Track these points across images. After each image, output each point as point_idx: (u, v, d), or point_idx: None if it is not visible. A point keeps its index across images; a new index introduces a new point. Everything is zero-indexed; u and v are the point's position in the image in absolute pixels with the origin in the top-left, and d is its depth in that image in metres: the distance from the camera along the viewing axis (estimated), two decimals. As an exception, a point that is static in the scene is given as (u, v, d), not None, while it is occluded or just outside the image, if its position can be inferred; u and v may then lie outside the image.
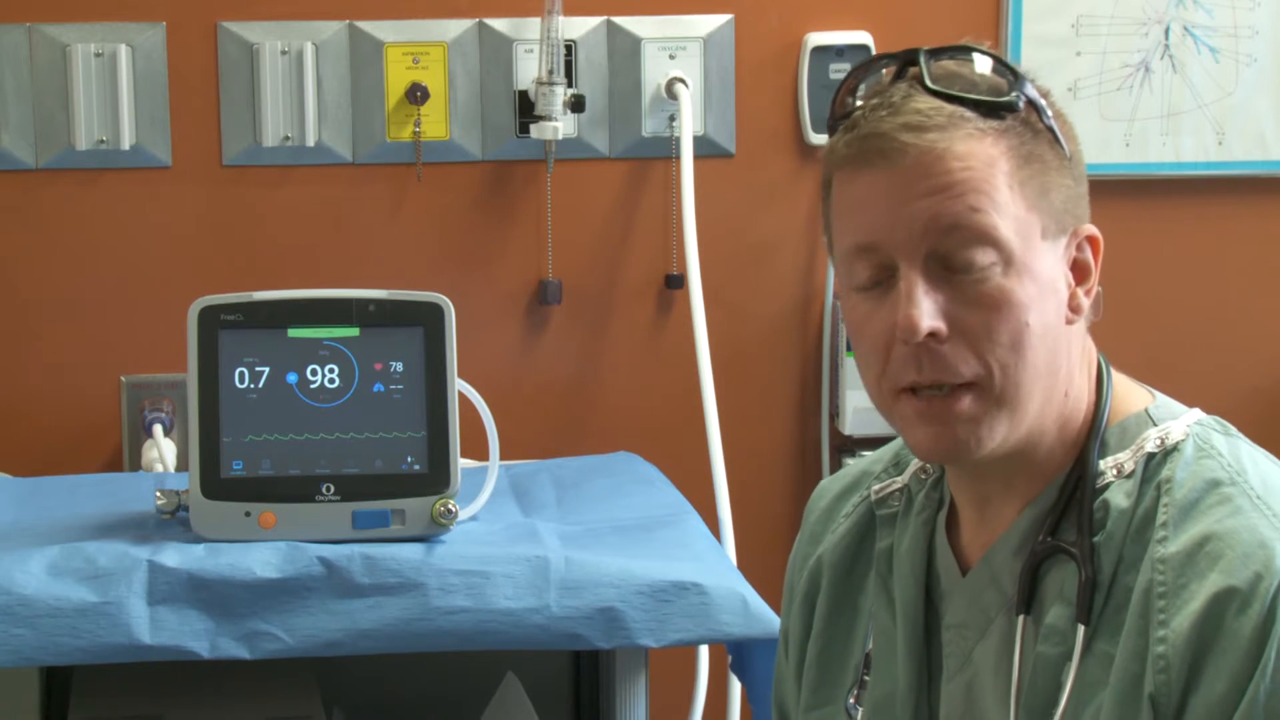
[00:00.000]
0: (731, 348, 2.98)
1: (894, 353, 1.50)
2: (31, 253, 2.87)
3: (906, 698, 1.62)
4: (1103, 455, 1.55)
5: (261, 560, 2.15)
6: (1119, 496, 1.53)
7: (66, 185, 2.86)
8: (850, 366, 2.90)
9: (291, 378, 2.26)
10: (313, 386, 2.26)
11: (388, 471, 2.24)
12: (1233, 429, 1.57)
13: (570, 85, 2.90)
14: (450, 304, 2.28)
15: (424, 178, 2.91)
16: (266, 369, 2.25)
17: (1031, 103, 1.53)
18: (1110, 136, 3.02)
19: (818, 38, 2.95)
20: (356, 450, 2.25)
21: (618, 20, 2.93)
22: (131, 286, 2.89)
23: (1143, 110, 3.02)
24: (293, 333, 2.27)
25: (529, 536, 2.26)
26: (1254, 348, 3.11)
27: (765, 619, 2.16)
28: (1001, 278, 1.49)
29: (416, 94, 2.88)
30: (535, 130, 2.88)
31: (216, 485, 2.23)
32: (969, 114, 1.50)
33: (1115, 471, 1.54)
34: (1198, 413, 1.58)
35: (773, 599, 2.04)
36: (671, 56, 2.94)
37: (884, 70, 1.55)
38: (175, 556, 2.15)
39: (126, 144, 2.85)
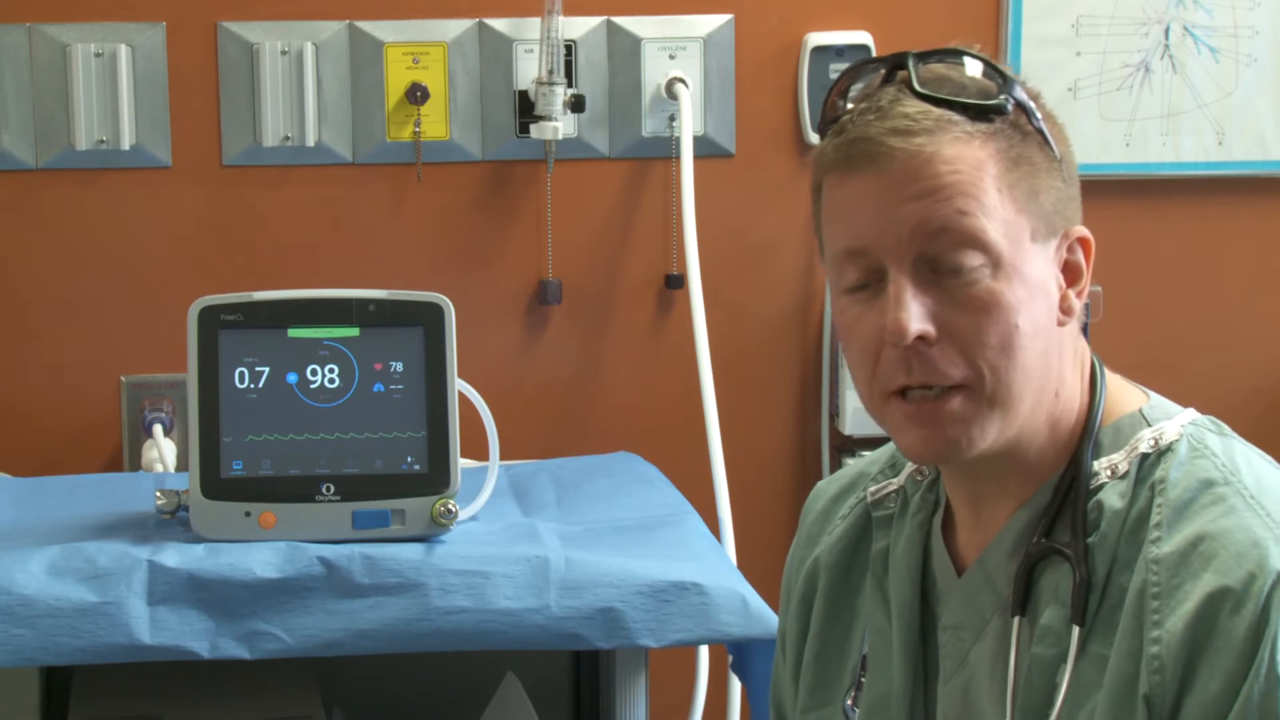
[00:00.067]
0: (731, 348, 2.98)
1: (883, 356, 1.51)
2: (31, 253, 2.87)
3: (902, 699, 1.62)
4: (1097, 456, 1.55)
5: (261, 560, 2.15)
6: (1113, 497, 1.53)
7: (66, 185, 2.86)
8: (850, 366, 2.90)
9: (291, 378, 2.26)
10: (313, 386, 2.26)
11: (388, 471, 2.24)
12: (1227, 429, 1.57)
13: (570, 85, 2.90)
14: (450, 304, 2.28)
15: (424, 178, 2.91)
16: (266, 369, 2.25)
17: (1020, 105, 1.52)
18: (1110, 136, 3.02)
19: (818, 38, 2.95)
20: (356, 450, 2.25)
21: (618, 20, 2.93)
22: (131, 286, 2.89)
23: (1143, 110, 3.02)
24: (293, 333, 2.27)
25: (529, 536, 2.26)
26: (1254, 348, 3.11)
27: (765, 619, 2.16)
28: (990, 280, 1.49)
29: (416, 94, 2.88)
30: (535, 130, 2.88)
31: (216, 485, 2.23)
32: (957, 117, 1.50)
33: (1109, 472, 1.54)
34: (1192, 413, 1.58)
35: (773, 599, 2.04)
36: (671, 56, 2.94)
37: (873, 74, 1.55)
38: (175, 556, 2.15)
39: (126, 144, 2.85)
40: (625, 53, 2.93)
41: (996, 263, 1.49)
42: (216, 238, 2.90)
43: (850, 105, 1.54)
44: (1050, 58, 2.99)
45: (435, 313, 2.27)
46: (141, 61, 2.85)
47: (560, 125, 2.87)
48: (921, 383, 1.50)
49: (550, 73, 2.86)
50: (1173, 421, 1.56)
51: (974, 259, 1.48)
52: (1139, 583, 1.48)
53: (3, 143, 2.84)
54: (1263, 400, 3.10)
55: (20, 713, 2.27)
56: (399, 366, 2.27)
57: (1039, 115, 1.53)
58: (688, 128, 2.90)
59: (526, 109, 2.90)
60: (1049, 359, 1.53)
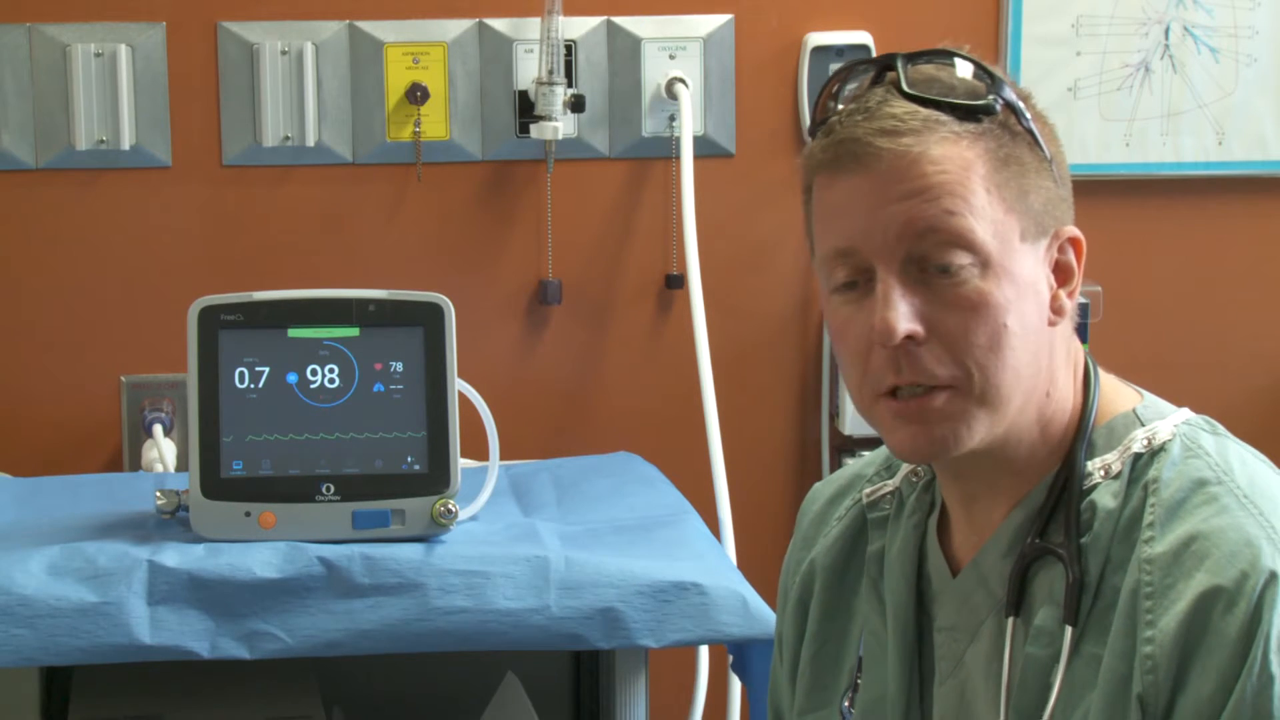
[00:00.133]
0: (731, 348, 2.98)
1: (873, 356, 1.51)
2: (31, 253, 2.87)
3: (898, 701, 1.62)
4: (1090, 456, 1.55)
5: (261, 560, 2.15)
6: (1106, 497, 1.53)
7: (66, 185, 2.86)
8: (850, 366, 2.90)
9: (291, 378, 2.26)
10: (313, 386, 2.26)
11: (388, 471, 2.24)
12: (1221, 428, 1.57)
13: (570, 85, 2.90)
14: (450, 304, 2.28)
15: (424, 178, 2.91)
16: (266, 369, 2.25)
17: (1009, 105, 1.52)
18: (1110, 136, 3.02)
19: (818, 38, 2.95)
20: (356, 450, 2.25)
21: (618, 20, 2.93)
22: (131, 286, 2.89)
23: (1143, 110, 3.02)
24: (293, 333, 2.27)
25: (529, 536, 2.26)
26: (1253, 347, 3.11)
27: (765, 619, 2.16)
28: (979, 280, 1.49)
29: (416, 94, 2.88)
30: (535, 130, 2.88)
31: (216, 485, 2.23)
32: (945, 117, 1.50)
33: (1103, 472, 1.54)
34: (1186, 412, 1.58)
35: (772, 599, 2.04)
36: (671, 56, 2.94)
37: (863, 75, 1.55)
38: (175, 556, 2.15)
39: (126, 144, 2.85)
40: (625, 53, 2.93)
41: (985, 262, 1.49)
42: (216, 238, 2.90)
43: (840, 107, 1.54)
44: (1050, 58, 2.99)
45: (435, 313, 2.27)
46: (141, 61, 2.85)
47: (560, 125, 2.87)
48: (911, 382, 1.50)
49: (550, 73, 2.86)
50: (1166, 421, 1.56)
51: (962, 258, 1.49)
52: (1132, 582, 1.48)
53: (3, 143, 2.84)
54: (1262, 400, 3.10)
55: (20, 713, 2.27)
56: (399, 366, 2.27)
57: (1028, 115, 1.53)
58: (688, 128, 2.90)
59: (526, 109, 2.90)
60: (1039, 359, 1.52)
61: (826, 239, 1.54)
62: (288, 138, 2.87)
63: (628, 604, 2.15)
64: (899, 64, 1.52)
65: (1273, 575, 1.43)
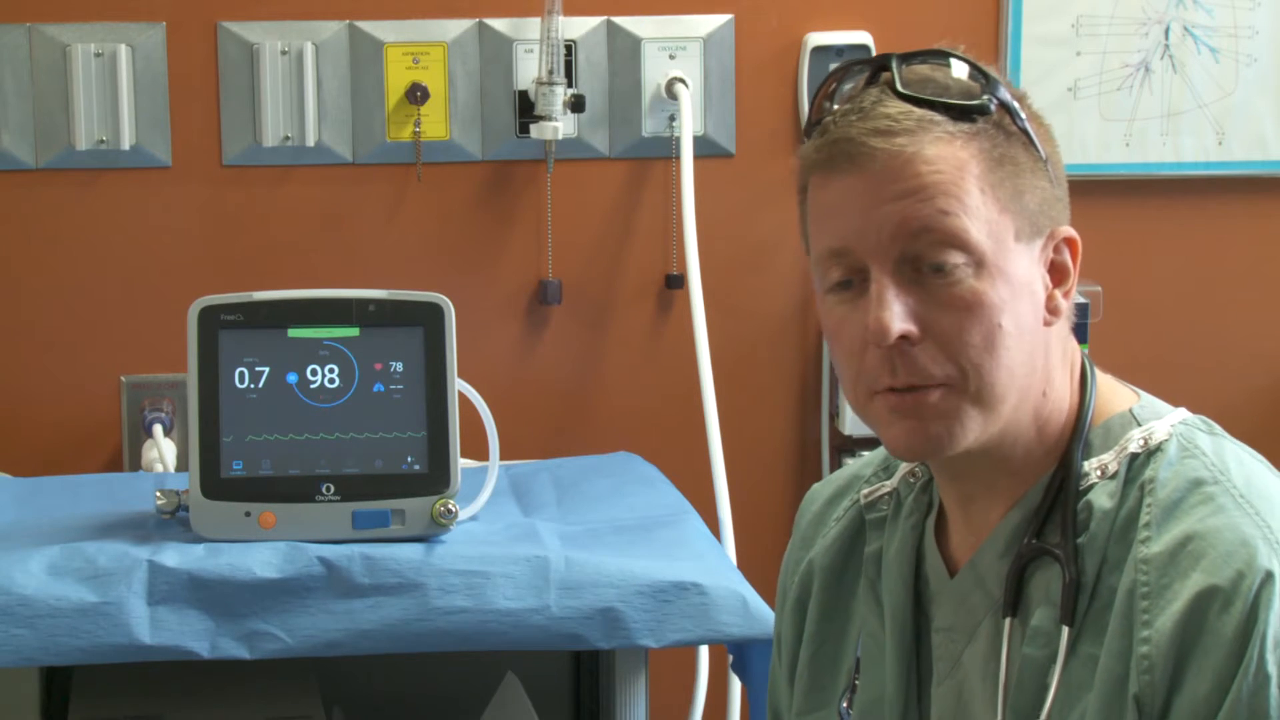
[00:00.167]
0: (731, 348, 2.98)
1: (867, 356, 1.51)
2: (31, 253, 2.87)
3: (895, 702, 1.62)
4: (1087, 456, 1.55)
5: (261, 560, 2.15)
6: (1102, 497, 1.53)
7: (66, 185, 2.86)
8: (850, 366, 2.90)
9: (291, 378, 2.26)
10: (313, 386, 2.26)
11: (388, 471, 2.24)
12: (1218, 428, 1.57)
13: (570, 85, 2.90)
14: (450, 304, 2.28)
15: (424, 178, 2.91)
16: (266, 369, 2.25)
17: (1004, 105, 1.52)
18: (1110, 136, 3.02)
19: (818, 38, 2.95)
20: (356, 450, 2.25)
21: (618, 20, 2.93)
22: (131, 286, 2.89)
23: (1143, 110, 3.02)
24: (293, 333, 2.27)
25: (529, 536, 2.26)
26: (1253, 347, 3.11)
27: (765, 619, 2.16)
28: (973, 280, 1.49)
29: (416, 94, 2.88)
30: (535, 130, 2.88)
31: (216, 485, 2.23)
32: (939, 118, 1.50)
33: (1099, 472, 1.54)
34: (1183, 412, 1.57)
35: (772, 599, 2.04)
36: (671, 56, 2.94)
37: (859, 76, 1.55)
38: (175, 556, 2.15)
39: (126, 144, 2.85)
40: (625, 53, 2.93)
41: (979, 262, 1.49)
42: (216, 238, 2.90)
43: (835, 107, 1.54)
44: (1050, 58, 2.99)
45: (435, 313, 2.27)
46: (141, 61, 2.85)
47: (560, 125, 2.87)
48: (906, 384, 1.50)
49: (550, 73, 2.86)
50: (1163, 421, 1.55)
51: (956, 258, 1.49)
52: (1128, 583, 1.48)
53: (3, 143, 2.84)
54: (1262, 400, 3.10)
55: (20, 713, 2.27)
56: (399, 366, 2.27)
57: (1023, 115, 1.53)
58: (688, 128, 2.90)
59: (526, 109, 2.90)
60: (1034, 359, 1.52)
61: (821, 239, 1.54)
62: (288, 138, 2.87)
63: (628, 604, 2.15)
64: (894, 64, 1.53)
65: (1269, 575, 1.43)
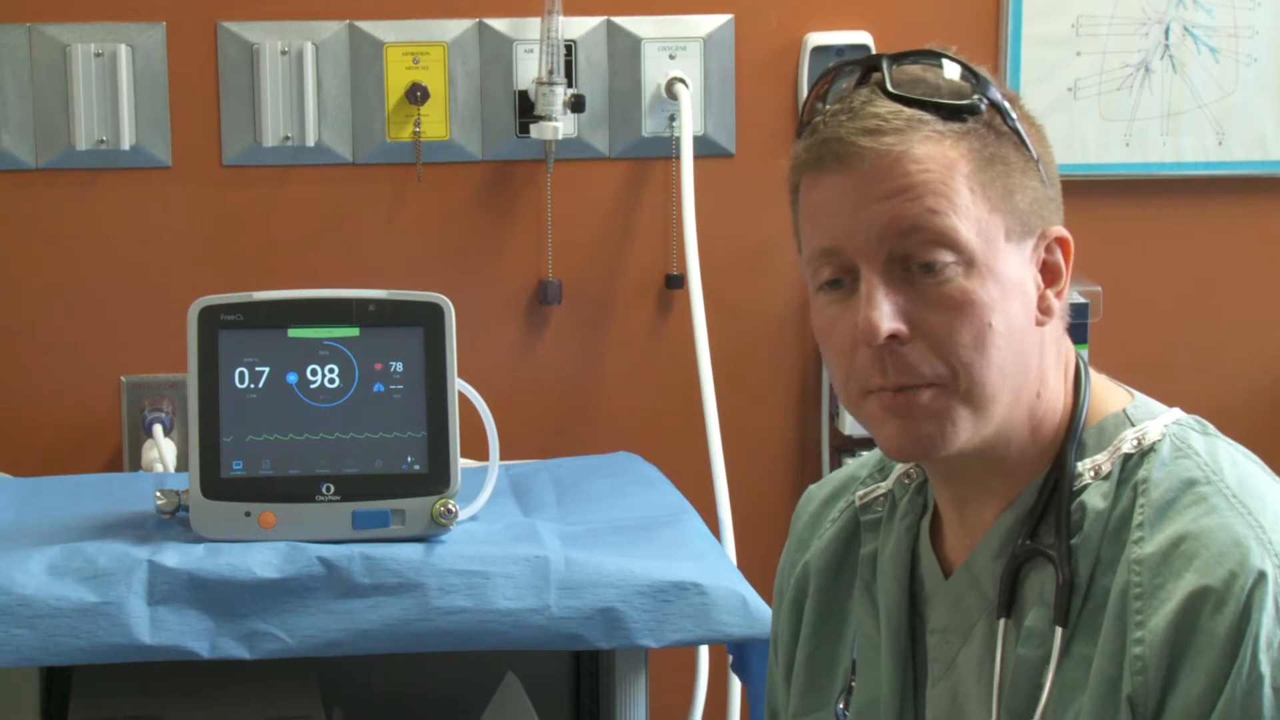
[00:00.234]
0: (731, 348, 2.98)
1: (857, 355, 1.51)
2: (31, 253, 2.87)
3: (891, 703, 1.62)
4: (1081, 457, 1.55)
5: (261, 560, 2.15)
6: (1095, 498, 1.53)
7: (66, 185, 2.87)
8: (850, 366, 2.90)
9: (291, 378, 2.26)
10: (313, 386, 2.26)
11: (388, 471, 2.24)
12: (1211, 428, 1.57)
13: (570, 85, 2.90)
14: (450, 304, 2.28)
15: (424, 178, 2.91)
16: (266, 369, 2.25)
17: (995, 105, 1.52)
18: (1110, 136, 3.02)
19: (818, 38, 2.95)
20: (356, 450, 2.25)
21: (618, 20, 2.93)
22: (131, 286, 2.89)
23: (1143, 110, 3.02)
24: (293, 333, 2.27)
25: (529, 536, 2.26)
26: (1253, 347, 3.11)
27: (765, 619, 2.16)
28: (963, 279, 1.49)
29: (416, 94, 2.88)
30: (535, 130, 2.88)
31: (216, 485, 2.23)
32: (928, 117, 1.50)
33: (1093, 473, 1.54)
34: (1177, 412, 1.57)
35: (772, 599, 2.04)
36: (671, 56, 2.94)
37: (850, 76, 1.55)
38: (175, 556, 2.15)
39: (126, 144, 2.85)
40: (625, 53, 2.93)
41: (969, 261, 1.49)
42: (216, 238, 2.90)
43: (826, 107, 1.54)
44: (1050, 58, 2.99)
45: (435, 313, 2.27)
46: (141, 61, 2.85)
47: (560, 125, 2.87)
48: (896, 384, 1.50)
49: (550, 73, 2.86)
50: (1156, 421, 1.55)
51: (945, 256, 1.48)
52: (1121, 583, 1.48)
53: (3, 143, 2.84)
54: (1262, 400, 3.10)
55: (20, 713, 2.27)
56: (399, 366, 2.27)
57: (1014, 115, 1.53)
58: (688, 128, 2.90)
59: (526, 109, 2.90)
60: (1027, 359, 1.52)
61: (811, 238, 1.54)
62: (288, 138, 2.87)
63: (628, 604, 2.15)
64: (884, 64, 1.53)
65: (1261, 575, 1.43)
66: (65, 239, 2.87)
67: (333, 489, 2.23)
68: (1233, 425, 1.61)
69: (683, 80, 2.91)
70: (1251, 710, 1.41)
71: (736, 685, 2.88)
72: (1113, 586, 1.48)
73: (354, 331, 2.27)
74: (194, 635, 2.12)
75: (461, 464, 2.27)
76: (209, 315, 2.25)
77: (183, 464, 2.78)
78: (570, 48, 2.91)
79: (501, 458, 2.38)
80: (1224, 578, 1.43)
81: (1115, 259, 3.01)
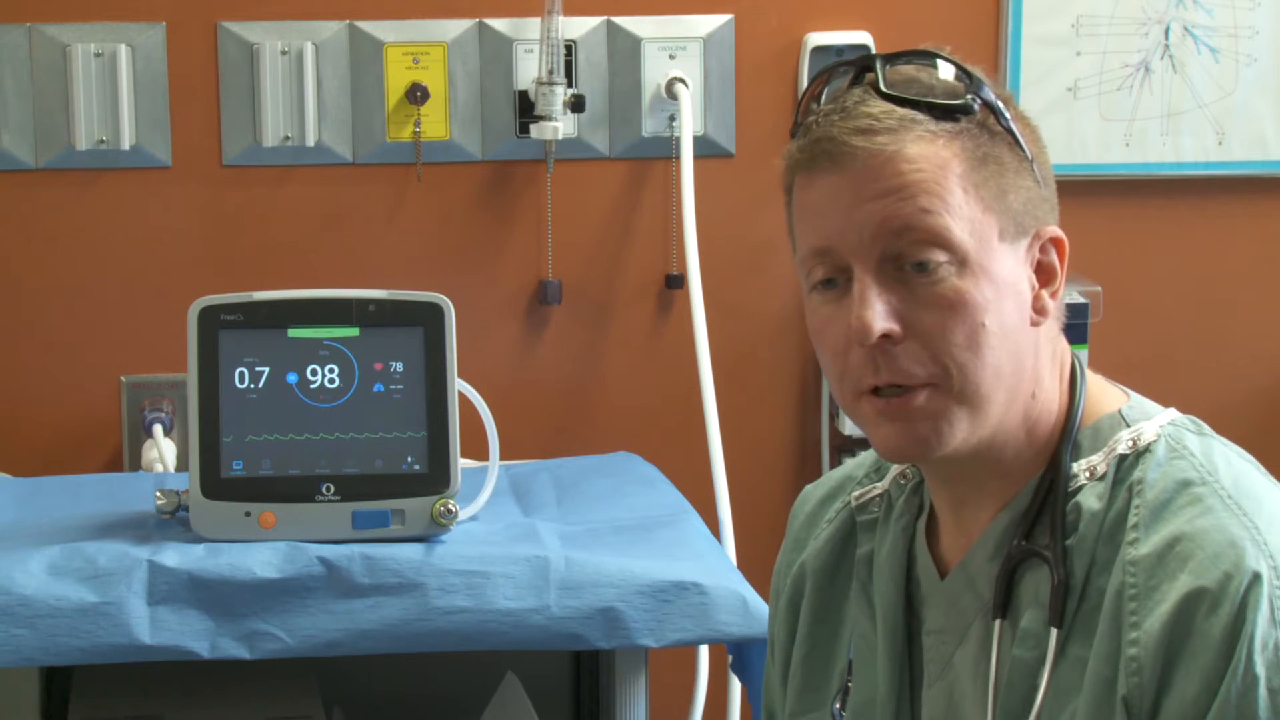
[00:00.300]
0: (731, 348, 2.98)
1: (851, 355, 1.51)
2: (31, 253, 2.87)
3: (887, 704, 1.62)
4: (1076, 457, 1.55)
5: (261, 560, 2.15)
6: (1090, 499, 1.52)
7: (66, 185, 2.87)
8: (850, 366, 2.90)
9: (291, 378, 2.26)
10: (313, 386, 2.26)
11: (388, 471, 2.24)
12: (1207, 428, 1.57)
13: (570, 85, 2.90)
14: (450, 304, 2.28)
15: (424, 178, 2.91)
16: (266, 369, 2.25)
17: (989, 105, 1.52)
18: (1110, 136, 3.02)
19: (818, 38, 2.95)
20: (356, 450, 2.25)
21: (618, 20, 2.93)
22: (131, 286, 2.89)
23: (1143, 110, 3.02)
24: (293, 333, 2.27)
25: (529, 536, 2.26)
26: (1253, 347, 3.11)
27: (765, 619, 2.15)
28: (956, 279, 1.49)
29: (416, 94, 2.88)
30: (535, 130, 2.88)
31: (216, 485, 2.23)
32: (921, 117, 1.50)
33: (1088, 474, 1.54)
34: (1172, 412, 1.57)
35: (772, 599, 2.05)
36: (671, 56, 2.94)
37: (844, 77, 1.55)
38: (175, 556, 2.15)
39: (126, 144, 2.85)
40: (625, 53, 2.93)
41: (962, 261, 1.49)
42: (216, 238, 2.90)
43: (820, 107, 1.55)
44: (1050, 58, 2.99)
45: (435, 313, 2.27)
46: (141, 61, 2.85)
47: (560, 125, 2.87)
48: (889, 383, 1.50)
49: (550, 73, 2.86)
50: (1151, 422, 1.55)
51: (938, 256, 1.48)
52: (1116, 584, 1.48)
53: (3, 143, 2.84)
54: (1262, 399, 3.10)
55: (20, 713, 2.27)
56: (399, 366, 2.27)
57: (1008, 115, 1.53)
58: (688, 128, 2.90)
59: (526, 109, 2.90)
60: (1021, 359, 1.52)
61: (805, 238, 1.54)
62: (288, 138, 2.87)
63: (628, 604, 2.15)
64: (878, 65, 1.53)
65: (1256, 576, 1.43)
66: (65, 239, 2.87)
67: (333, 489, 2.23)
68: (1232, 425, 1.61)
69: (683, 80, 2.91)
70: (1247, 711, 1.41)
71: (736, 685, 2.88)
72: (1108, 587, 1.48)
73: (354, 331, 2.27)
74: (194, 635, 2.12)
75: (461, 464, 2.27)
76: (209, 315, 2.25)
77: (183, 464, 2.78)
78: (570, 48, 2.91)
79: (501, 458, 2.38)
80: (1219, 579, 1.43)
81: (1115, 259, 3.01)
